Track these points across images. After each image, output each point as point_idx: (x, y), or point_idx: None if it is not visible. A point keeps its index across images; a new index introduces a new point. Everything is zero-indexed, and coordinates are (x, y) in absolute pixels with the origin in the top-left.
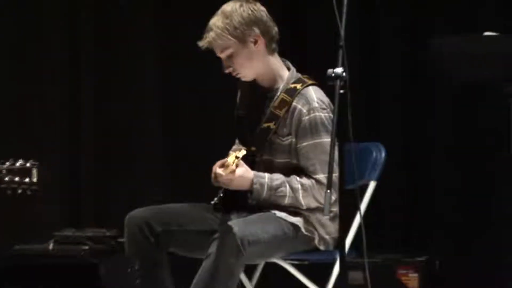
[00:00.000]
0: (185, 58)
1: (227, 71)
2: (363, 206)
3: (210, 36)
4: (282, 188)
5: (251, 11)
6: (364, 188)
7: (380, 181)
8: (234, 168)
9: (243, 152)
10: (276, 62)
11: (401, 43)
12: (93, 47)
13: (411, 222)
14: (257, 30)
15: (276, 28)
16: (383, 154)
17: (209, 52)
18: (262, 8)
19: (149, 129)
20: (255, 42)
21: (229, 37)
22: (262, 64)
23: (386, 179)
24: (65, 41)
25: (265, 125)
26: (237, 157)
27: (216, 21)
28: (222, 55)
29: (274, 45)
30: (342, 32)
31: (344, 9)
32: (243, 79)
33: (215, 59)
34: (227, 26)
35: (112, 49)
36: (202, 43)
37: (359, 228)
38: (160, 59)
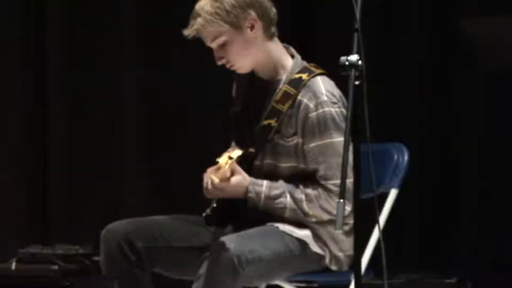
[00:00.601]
0: (168, 50)
1: (219, 62)
2: (383, 218)
3: (198, 23)
4: (281, 199)
5: None
6: (383, 197)
7: (403, 188)
8: (228, 175)
9: (238, 152)
10: (277, 49)
11: (426, 26)
12: (62, 46)
13: (437, 236)
14: (253, 13)
15: (274, 9)
16: (406, 157)
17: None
18: None
19: (128, 131)
20: (252, 27)
21: (221, 23)
22: (260, 52)
23: (409, 187)
24: (31, 42)
25: (265, 122)
26: (230, 158)
27: (204, 4)
28: (213, 45)
29: (273, 29)
30: (358, 13)
31: None
32: (239, 71)
33: (203, 50)
34: (217, 10)
35: (83, 49)
36: (188, 32)
37: (378, 244)
38: (141, 53)
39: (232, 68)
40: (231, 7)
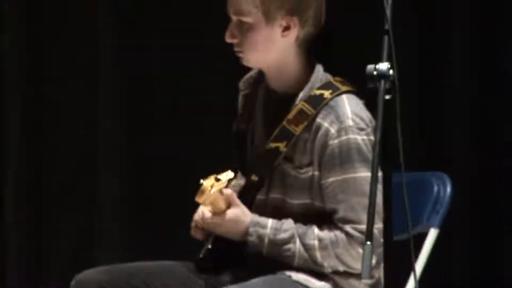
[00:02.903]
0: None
1: (229, 40)
2: (420, 265)
3: None
4: (289, 245)
5: None
6: (421, 238)
7: (444, 227)
8: (224, 207)
9: (229, 174)
10: (300, 58)
11: (475, 31)
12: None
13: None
14: (296, 16)
15: (323, 20)
16: (449, 189)
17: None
18: None
19: (107, 156)
20: (285, 29)
21: (258, 2)
22: (279, 57)
23: (452, 225)
24: None
25: (273, 144)
26: (217, 179)
27: None
28: (234, 18)
29: (308, 40)
30: (388, 12)
31: None
32: (244, 63)
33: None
34: None
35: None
36: None
37: None
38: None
39: (239, 55)
40: None
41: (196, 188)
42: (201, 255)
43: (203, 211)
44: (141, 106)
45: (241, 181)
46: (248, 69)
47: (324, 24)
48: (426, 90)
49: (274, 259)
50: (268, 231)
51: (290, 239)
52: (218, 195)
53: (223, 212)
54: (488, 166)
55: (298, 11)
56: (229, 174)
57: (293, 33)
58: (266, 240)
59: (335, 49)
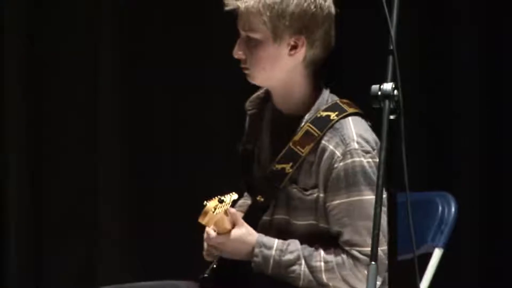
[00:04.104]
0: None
1: (236, 55)
2: (425, 284)
3: (246, 2)
4: (295, 267)
5: (315, 7)
6: (426, 258)
7: (449, 247)
8: (229, 227)
9: (233, 196)
10: (308, 79)
11: (481, 49)
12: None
13: None
14: (305, 35)
15: (333, 43)
16: (453, 209)
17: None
18: (332, 9)
19: (107, 174)
20: (293, 47)
21: (266, 20)
22: (286, 77)
23: (458, 244)
24: None
25: (279, 166)
26: (221, 201)
27: None
28: (243, 33)
29: (317, 61)
30: (393, 32)
31: None
32: (250, 80)
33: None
34: (273, 6)
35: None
36: (230, 1)
37: None
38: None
39: (246, 72)
40: (289, 14)
41: (199, 209)
42: (205, 274)
43: (208, 231)
44: (141, 130)
45: (248, 201)
46: (254, 90)
47: (333, 47)
48: (433, 110)
49: (278, 280)
50: (273, 252)
51: (295, 261)
52: (223, 216)
53: (228, 232)
54: (494, 186)
55: (307, 31)
56: (233, 195)
57: (301, 53)
58: (271, 261)
59: (345, 70)
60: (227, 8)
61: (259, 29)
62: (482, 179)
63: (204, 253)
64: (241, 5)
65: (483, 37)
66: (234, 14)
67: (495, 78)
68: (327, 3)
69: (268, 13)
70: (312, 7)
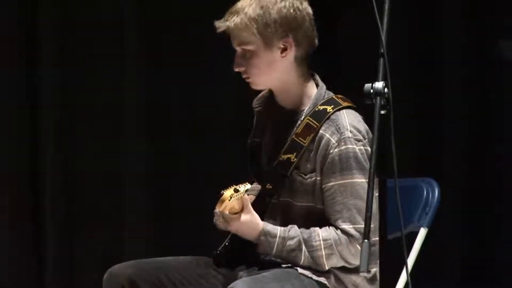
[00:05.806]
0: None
1: (237, 69)
2: (411, 260)
3: (234, 20)
4: (296, 252)
5: (294, 10)
6: (412, 237)
7: (433, 227)
8: (238, 208)
9: (247, 185)
10: (304, 77)
11: (466, 47)
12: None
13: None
14: (291, 38)
15: (317, 40)
16: (436, 193)
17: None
18: (309, 10)
19: (129, 161)
20: (283, 50)
21: (255, 31)
22: (284, 77)
23: (441, 224)
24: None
25: (284, 156)
26: (236, 191)
27: (247, 5)
28: (238, 49)
29: (306, 58)
30: (383, 36)
31: (386, 5)
32: (253, 87)
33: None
34: (258, 18)
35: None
36: (219, 25)
37: None
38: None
39: (248, 81)
40: (273, 21)
41: (215, 199)
42: (218, 251)
43: (221, 209)
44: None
45: (259, 186)
46: (256, 93)
47: (317, 44)
48: (420, 105)
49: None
50: (276, 239)
51: (296, 247)
52: (236, 201)
53: (237, 213)
54: (477, 172)
55: (292, 32)
56: (247, 185)
57: (291, 53)
58: (275, 248)
59: (342, 67)
60: (219, 31)
61: (250, 41)
62: (463, 167)
63: (215, 219)
64: (230, 25)
65: (472, 34)
66: (226, 35)
67: (481, 73)
68: (303, 6)
69: (255, 25)
70: (292, 11)
